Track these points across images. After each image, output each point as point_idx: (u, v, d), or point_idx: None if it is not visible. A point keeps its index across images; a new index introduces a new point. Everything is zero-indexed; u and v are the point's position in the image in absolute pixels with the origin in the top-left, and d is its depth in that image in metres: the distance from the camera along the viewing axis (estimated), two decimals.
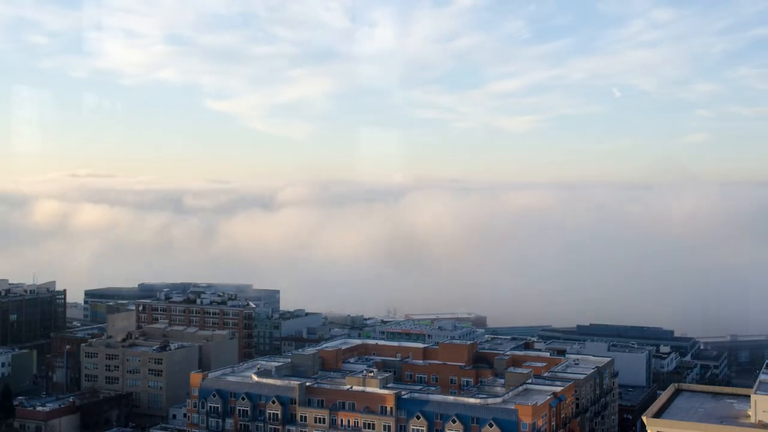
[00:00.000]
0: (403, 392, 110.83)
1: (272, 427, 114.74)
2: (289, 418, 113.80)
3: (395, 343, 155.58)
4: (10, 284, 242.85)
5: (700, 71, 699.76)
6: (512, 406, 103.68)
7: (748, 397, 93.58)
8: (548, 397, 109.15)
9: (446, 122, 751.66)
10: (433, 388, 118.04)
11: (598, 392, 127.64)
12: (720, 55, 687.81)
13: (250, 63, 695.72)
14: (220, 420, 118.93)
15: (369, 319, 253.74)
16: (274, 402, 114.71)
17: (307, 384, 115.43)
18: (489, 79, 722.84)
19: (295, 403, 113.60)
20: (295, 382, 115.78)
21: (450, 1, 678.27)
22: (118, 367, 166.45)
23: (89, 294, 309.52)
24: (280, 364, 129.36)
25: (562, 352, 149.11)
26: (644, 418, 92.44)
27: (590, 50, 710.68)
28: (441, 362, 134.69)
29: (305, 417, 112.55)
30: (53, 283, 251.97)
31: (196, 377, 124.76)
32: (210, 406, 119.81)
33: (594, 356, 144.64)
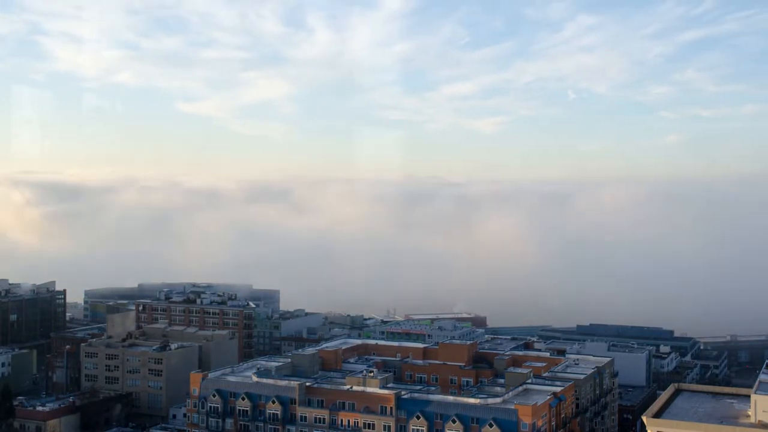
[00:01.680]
0: (403, 392, 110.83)
1: (272, 427, 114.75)
2: (289, 418, 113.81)
3: (395, 343, 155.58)
4: (10, 284, 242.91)
5: (647, 74, 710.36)
6: (512, 406, 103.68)
7: (748, 397, 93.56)
8: (548, 397, 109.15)
9: (418, 123, 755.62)
10: (433, 388, 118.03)
11: (598, 392, 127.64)
12: (659, 58, 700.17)
13: (202, 67, 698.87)
14: (220, 420, 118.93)
15: (369, 319, 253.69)
16: (274, 402, 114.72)
17: (307, 384, 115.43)
18: (441, 82, 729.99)
19: (295, 403, 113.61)
20: (295, 382, 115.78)
21: (377, 6, 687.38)
22: (118, 367, 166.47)
23: (89, 294, 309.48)
24: (280, 364, 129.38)
25: (562, 352, 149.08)
26: (644, 418, 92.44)
27: (531, 54, 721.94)
28: (441, 362, 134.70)
29: (305, 417, 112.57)
30: (53, 283, 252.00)
31: (196, 377, 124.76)
32: (210, 406, 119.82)
33: (594, 356, 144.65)
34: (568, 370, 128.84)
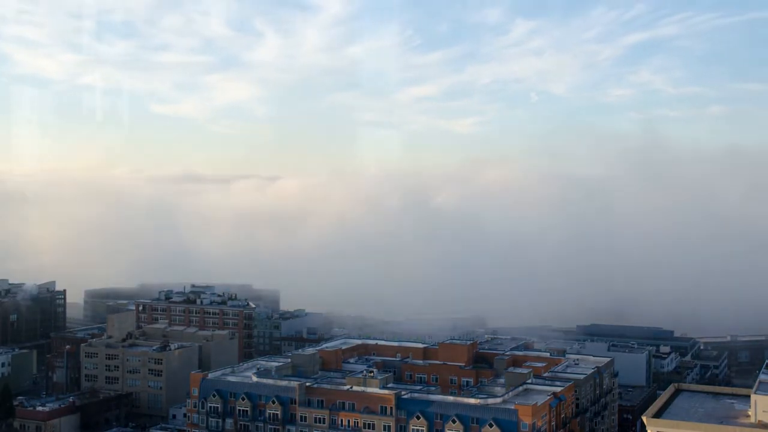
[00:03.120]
0: (403, 392, 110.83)
1: (272, 427, 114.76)
2: (289, 418, 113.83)
3: (395, 343, 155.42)
4: (10, 284, 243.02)
5: (603, 77, 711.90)
6: (512, 406, 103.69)
7: (748, 397, 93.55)
8: (548, 397, 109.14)
9: (397, 124, 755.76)
10: (433, 388, 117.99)
11: (598, 392, 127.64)
12: (607, 61, 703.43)
13: (165, 70, 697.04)
14: (220, 420, 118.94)
15: (369, 319, 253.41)
16: (274, 402, 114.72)
17: (307, 384, 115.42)
18: (402, 84, 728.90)
19: (295, 403, 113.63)
20: (295, 382, 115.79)
21: (318, 10, 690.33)
22: (118, 367, 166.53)
23: (89, 294, 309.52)
24: (280, 364, 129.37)
25: (562, 352, 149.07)
26: (644, 418, 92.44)
27: (482, 57, 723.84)
28: (441, 362, 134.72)
29: (305, 417, 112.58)
30: (53, 283, 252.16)
31: (196, 377, 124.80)
32: (210, 406, 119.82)
33: (594, 356, 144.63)
34: (568, 370, 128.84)
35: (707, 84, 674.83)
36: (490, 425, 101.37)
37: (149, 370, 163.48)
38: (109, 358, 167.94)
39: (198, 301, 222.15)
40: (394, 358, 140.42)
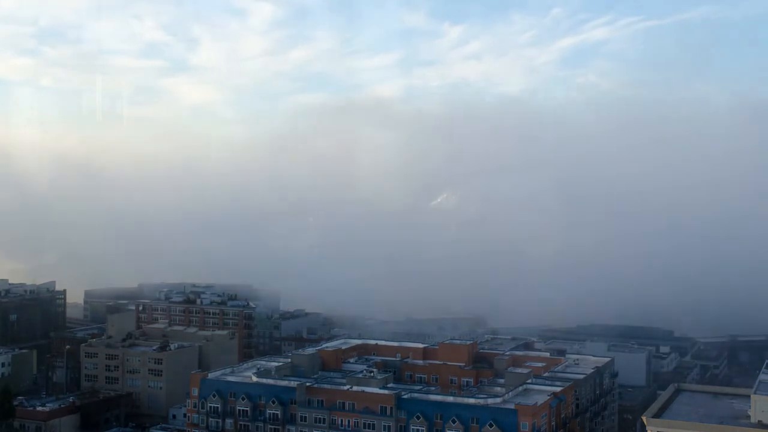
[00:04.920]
0: (403, 392, 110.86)
1: (272, 427, 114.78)
2: (289, 418, 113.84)
3: (395, 343, 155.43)
4: (10, 284, 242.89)
5: (551, 80, 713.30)
6: (512, 406, 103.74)
7: (748, 397, 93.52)
8: (548, 397, 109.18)
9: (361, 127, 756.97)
10: (433, 388, 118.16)
11: (598, 392, 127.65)
12: (549, 65, 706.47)
13: (121, 74, 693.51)
14: (220, 420, 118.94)
15: (369, 319, 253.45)
16: (274, 402, 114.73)
17: (307, 384, 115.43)
18: (357, 87, 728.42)
19: (295, 403, 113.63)
20: (295, 383, 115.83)
21: (248, 15, 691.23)
22: (118, 367, 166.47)
23: (89, 294, 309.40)
24: (280, 364, 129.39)
25: (562, 352, 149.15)
26: (644, 418, 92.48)
27: (425, 61, 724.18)
28: (441, 362, 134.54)
29: (305, 417, 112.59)
30: (53, 283, 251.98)
31: (196, 377, 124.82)
32: (210, 406, 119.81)
33: (594, 356, 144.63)
34: (568, 370, 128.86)
35: (653, 86, 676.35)
36: (490, 425, 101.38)
37: (149, 370, 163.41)
38: (109, 358, 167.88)
39: (198, 301, 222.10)
40: (394, 358, 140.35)
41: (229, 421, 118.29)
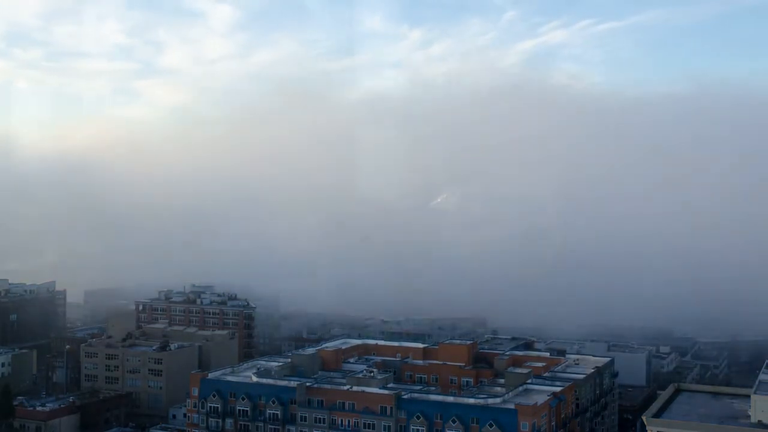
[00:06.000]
0: (403, 392, 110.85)
1: (272, 427, 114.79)
2: (289, 418, 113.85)
3: (395, 343, 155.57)
4: (10, 284, 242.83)
5: (523, 81, 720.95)
6: (512, 406, 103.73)
7: (748, 397, 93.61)
8: (548, 397, 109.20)
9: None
10: (433, 388, 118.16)
11: (598, 392, 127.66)
12: (515, 67, 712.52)
13: (95, 76, 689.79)
14: (220, 420, 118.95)
15: (369, 319, 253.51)
16: (274, 402, 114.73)
17: (307, 384, 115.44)
18: (325, 90, 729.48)
19: (295, 403, 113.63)
20: (295, 382, 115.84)
21: (207, 18, 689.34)
22: (118, 367, 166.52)
23: (89, 294, 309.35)
24: (280, 364, 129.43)
25: (562, 352, 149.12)
26: (644, 418, 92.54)
27: (391, 64, 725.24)
28: (441, 362, 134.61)
29: (305, 417, 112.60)
30: (53, 283, 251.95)
31: (196, 377, 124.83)
32: (210, 406, 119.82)
33: (594, 356, 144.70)
34: (568, 370, 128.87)
35: (634, 87, 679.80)
36: (490, 425, 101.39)
37: (149, 370, 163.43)
38: (109, 358, 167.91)
39: (198, 301, 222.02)
40: (394, 358, 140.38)
41: (229, 421, 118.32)
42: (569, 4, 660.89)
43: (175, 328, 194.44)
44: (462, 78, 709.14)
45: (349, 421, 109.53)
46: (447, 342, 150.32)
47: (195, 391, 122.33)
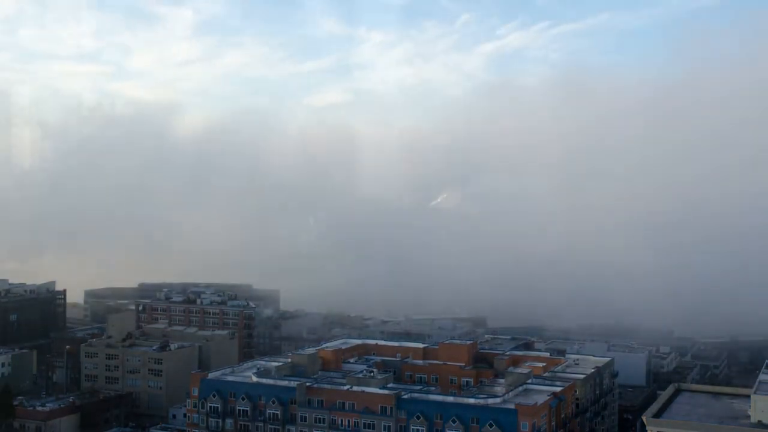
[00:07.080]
0: (403, 392, 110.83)
1: (272, 427, 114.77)
2: (289, 418, 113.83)
3: (395, 343, 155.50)
4: (10, 284, 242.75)
5: (497, 84, 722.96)
6: (512, 406, 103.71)
7: (748, 397, 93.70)
8: (548, 397, 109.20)
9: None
10: (433, 388, 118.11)
11: (598, 392, 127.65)
12: (480, 71, 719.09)
13: (65, 77, 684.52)
14: (220, 420, 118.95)
15: (369, 319, 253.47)
16: (274, 402, 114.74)
17: (307, 384, 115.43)
18: (304, 91, 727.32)
19: (295, 403, 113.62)
20: (295, 382, 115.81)
21: (167, 21, 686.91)
22: (118, 367, 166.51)
23: (89, 294, 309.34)
24: (280, 364, 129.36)
25: (562, 352, 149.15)
26: (644, 418, 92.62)
27: (360, 65, 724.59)
28: (441, 362, 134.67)
29: (305, 417, 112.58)
30: (53, 283, 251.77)
31: (196, 377, 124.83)
32: (210, 406, 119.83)
33: (594, 356, 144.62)
34: (568, 370, 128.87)
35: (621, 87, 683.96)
36: (490, 425, 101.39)
37: (149, 370, 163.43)
38: (109, 358, 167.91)
39: (198, 301, 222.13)
40: (394, 358, 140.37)
41: (229, 421, 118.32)
42: (523, 4, 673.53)
43: (175, 328, 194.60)
44: (430, 80, 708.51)
45: (349, 421, 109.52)
46: (447, 342, 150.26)
47: (195, 391, 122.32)
